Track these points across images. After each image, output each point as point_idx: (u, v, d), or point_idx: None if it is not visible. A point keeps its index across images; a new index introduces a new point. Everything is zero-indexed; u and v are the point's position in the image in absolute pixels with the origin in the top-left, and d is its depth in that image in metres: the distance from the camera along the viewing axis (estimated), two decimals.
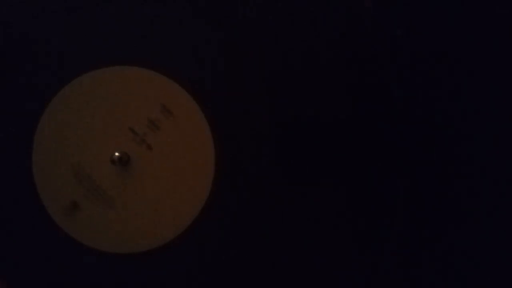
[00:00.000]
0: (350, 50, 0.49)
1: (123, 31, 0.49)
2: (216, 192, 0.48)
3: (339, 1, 0.48)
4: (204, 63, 0.48)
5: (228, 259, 0.49)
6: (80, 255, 0.49)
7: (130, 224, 0.48)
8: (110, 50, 0.49)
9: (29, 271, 0.49)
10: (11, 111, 0.49)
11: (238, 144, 0.48)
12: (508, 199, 0.49)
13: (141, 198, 0.48)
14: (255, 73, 0.48)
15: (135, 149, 0.48)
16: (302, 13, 0.48)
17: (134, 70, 0.48)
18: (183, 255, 0.48)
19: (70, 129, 0.48)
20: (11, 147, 0.49)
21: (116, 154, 0.47)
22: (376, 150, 0.48)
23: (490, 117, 0.49)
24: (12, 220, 0.49)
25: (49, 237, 0.49)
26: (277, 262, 0.48)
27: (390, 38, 0.49)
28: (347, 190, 0.48)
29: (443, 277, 0.49)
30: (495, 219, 0.49)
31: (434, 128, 0.49)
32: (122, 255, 0.49)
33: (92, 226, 0.48)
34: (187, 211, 0.48)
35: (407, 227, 0.49)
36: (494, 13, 0.49)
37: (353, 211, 0.49)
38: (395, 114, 0.49)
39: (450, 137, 0.49)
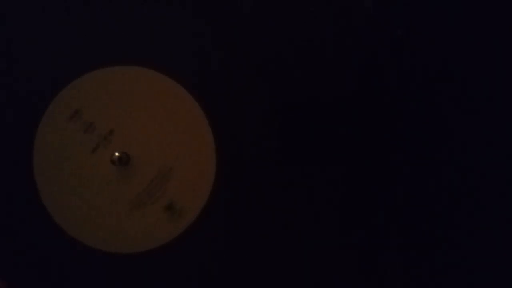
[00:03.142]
0: (350, 50, 0.49)
1: (123, 31, 0.49)
2: (216, 192, 0.48)
3: (339, 1, 0.48)
4: (204, 63, 0.48)
5: (228, 259, 0.48)
6: (80, 255, 0.49)
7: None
8: (110, 50, 0.49)
9: (29, 271, 0.49)
10: (11, 111, 0.49)
11: (238, 144, 0.48)
12: (508, 199, 0.49)
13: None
14: (255, 73, 0.48)
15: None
16: (302, 13, 0.48)
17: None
18: (183, 255, 0.48)
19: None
20: (11, 147, 0.49)
21: (116, 154, 0.47)
22: (376, 150, 0.48)
23: (490, 117, 0.49)
24: (12, 220, 0.49)
25: (49, 237, 0.49)
26: (277, 262, 0.48)
27: (390, 38, 0.49)
28: (347, 190, 0.48)
29: (443, 276, 0.49)
30: (495, 219, 0.49)
31: (434, 128, 0.49)
32: (122, 255, 0.48)
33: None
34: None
35: (407, 225, 0.49)
36: (494, 13, 0.49)
37: (354, 211, 0.49)
38: (395, 113, 0.49)
39: (450, 136, 0.49)
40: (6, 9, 0.49)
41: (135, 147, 0.48)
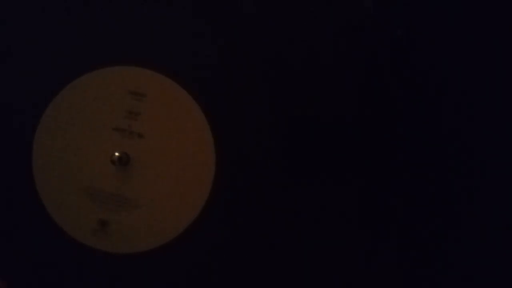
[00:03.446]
0: (350, 50, 0.49)
1: (123, 31, 0.49)
2: (216, 192, 0.48)
3: (339, 1, 0.48)
4: (204, 63, 0.48)
5: (228, 259, 0.48)
6: (80, 255, 0.49)
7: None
8: (110, 50, 0.49)
9: (29, 271, 0.49)
10: (11, 111, 0.49)
11: (238, 144, 0.48)
12: (508, 199, 0.49)
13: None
14: (255, 73, 0.48)
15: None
16: (302, 13, 0.48)
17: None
18: (183, 255, 0.48)
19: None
20: (11, 147, 0.49)
21: (116, 154, 0.47)
22: (376, 150, 0.48)
23: (490, 116, 0.49)
24: (12, 220, 0.49)
25: (49, 237, 0.49)
26: (277, 261, 0.48)
27: (390, 38, 0.49)
28: (347, 189, 0.48)
29: (443, 276, 0.49)
30: (495, 219, 0.49)
31: (434, 128, 0.49)
32: (122, 255, 0.49)
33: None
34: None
35: (407, 225, 0.49)
36: (494, 13, 0.49)
37: (354, 210, 0.49)
38: (395, 113, 0.49)
39: (450, 136, 0.49)
40: (6, 9, 0.49)
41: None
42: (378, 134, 0.48)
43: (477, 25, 0.49)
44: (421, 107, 0.49)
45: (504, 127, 0.49)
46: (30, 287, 0.49)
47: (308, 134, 0.48)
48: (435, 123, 0.49)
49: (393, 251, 0.49)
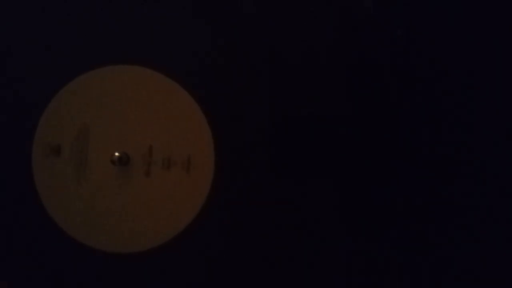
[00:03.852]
0: (350, 50, 0.49)
1: (123, 31, 0.49)
2: (215, 192, 0.48)
3: (339, 1, 0.48)
4: (204, 62, 0.48)
5: (227, 259, 0.48)
6: (80, 255, 0.49)
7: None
8: (110, 50, 0.49)
9: (29, 271, 0.49)
10: (11, 111, 0.49)
11: (238, 144, 0.48)
12: (508, 199, 0.49)
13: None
14: (255, 73, 0.48)
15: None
16: (301, 13, 0.48)
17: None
18: (183, 255, 0.48)
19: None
20: (11, 147, 0.49)
21: (116, 154, 0.47)
22: (376, 150, 0.48)
23: (490, 116, 0.49)
24: (12, 221, 0.49)
25: (49, 237, 0.49)
26: (277, 261, 0.48)
27: (390, 38, 0.49)
28: (347, 189, 0.48)
29: (443, 276, 0.49)
30: (495, 219, 0.49)
31: (434, 128, 0.49)
32: (122, 255, 0.49)
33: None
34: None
35: (405, 225, 0.49)
36: (494, 13, 0.49)
37: (353, 210, 0.49)
38: (394, 113, 0.49)
39: (449, 136, 0.49)
40: (6, 9, 0.49)
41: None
42: (378, 134, 0.48)
43: (477, 25, 0.49)
44: (421, 107, 0.49)
45: (504, 127, 0.49)
46: (30, 287, 0.49)
47: (308, 134, 0.48)
48: (435, 123, 0.49)
49: (393, 250, 0.49)
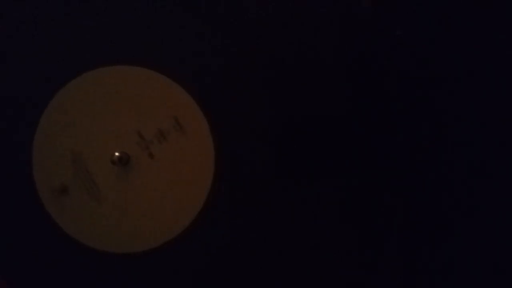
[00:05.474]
0: (350, 50, 0.49)
1: (123, 31, 0.49)
2: (216, 192, 0.48)
3: (339, 1, 0.49)
4: (204, 63, 0.48)
5: (227, 259, 0.49)
6: (80, 255, 0.49)
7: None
8: (110, 50, 0.49)
9: (29, 271, 0.49)
10: (11, 111, 0.49)
11: (238, 144, 0.48)
12: (508, 199, 0.49)
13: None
14: (255, 73, 0.48)
15: (135, 149, 0.48)
16: (301, 13, 0.48)
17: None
18: (182, 255, 0.48)
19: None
20: (11, 147, 0.49)
21: (116, 154, 0.48)
22: (376, 150, 0.48)
23: (489, 117, 0.49)
24: (12, 220, 0.49)
25: (49, 237, 0.49)
26: (277, 261, 0.48)
27: (390, 38, 0.49)
28: (346, 189, 0.48)
29: (443, 277, 0.49)
30: (495, 219, 0.49)
31: (433, 128, 0.49)
32: (122, 255, 0.49)
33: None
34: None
35: (405, 225, 0.49)
36: (493, 13, 0.49)
37: (353, 210, 0.49)
38: (394, 113, 0.49)
39: (448, 136, 0.49)
40: (5, 9, 0.49)
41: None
42: (378, 134, 0.48)
43: (477, 25, 0.49)
44: (421, 107, 0.49)
45: (505, 127, 0.49)
46: (30, 287, 0.49)
47: (308, 135, 0.48)
48: (435, 123, 0.49)
49: (393, 250, 0.49)
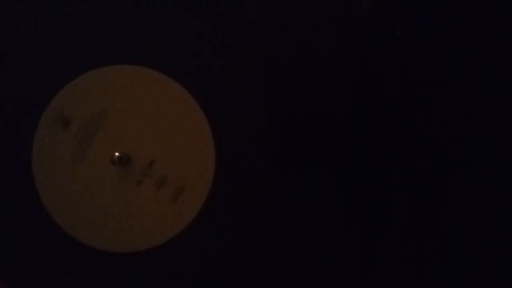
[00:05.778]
0: (350, 50, 0.49)
1: (123, 31, 0.49)
2: (216, 192, 0.48)
3: (339, 1, 0.49)
4: (204, 63, 0.48)
5: (227, 259, 0.49)
6: (80, 255, 0.49)
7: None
8: (110, 50, 0.49)
9: (29, 271, 0.49)
10: (11, 111, 0.49)
11: (238, 144, 0.48)
12: (508, 199, 0.49)
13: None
14: (255, 73, 0.48)
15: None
16: (301, 13, 0.48)
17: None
18: (183, 255, 0.48)
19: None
20: (11, 147, 0.49)
21: (116, 154, 0.47)
22: (376, 149, 0.48)
23: (489, 117, 0.49)
24: (12, 220, 0.49)
25: (49, 237, 0.49)
26: (277, 261, 0.48)
27: (390, 38, 0.49)
28: (346, 189, 0.48)
29: (443, 276, 0.49)
30: (495, 219, 0.49)
31: (433, 128, 0.49)
32: (122, 255, 0.49)
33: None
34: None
35: (405, 225, 0.49)
36: (493, 13, 0.49)
37: (353, 210, 0.49)
38: (394, 113, 0.49)
39: (448, 136, 0.49)
40: (5, 9, 0.49)
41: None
42: (378, 134, 0.48)
43: (477, 25, 0.49)
44: (421, 107, 0.49)
45: (504, 127, 0.49)
46: (30, 287, 0.49)
47: (308, 135, 0.48)
48: (435, 123, 0.49)
49: (393, 250, 0.49)
